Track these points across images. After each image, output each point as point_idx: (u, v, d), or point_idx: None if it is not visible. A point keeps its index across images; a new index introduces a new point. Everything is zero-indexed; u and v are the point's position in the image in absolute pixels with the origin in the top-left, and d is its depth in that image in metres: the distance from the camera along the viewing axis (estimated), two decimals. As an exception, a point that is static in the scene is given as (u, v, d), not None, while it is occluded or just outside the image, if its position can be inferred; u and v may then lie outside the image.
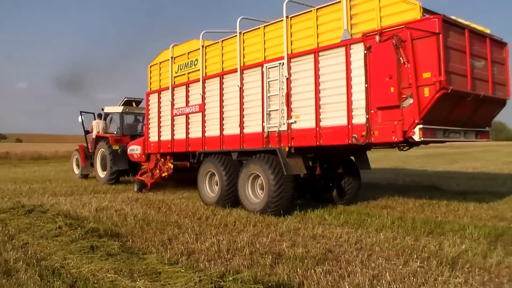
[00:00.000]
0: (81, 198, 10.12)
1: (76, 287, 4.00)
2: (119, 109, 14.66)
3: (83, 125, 15.71)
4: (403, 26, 6.10)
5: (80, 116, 15.57)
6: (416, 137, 6.04)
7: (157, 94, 11.21)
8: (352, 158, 9.23)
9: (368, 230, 6.28)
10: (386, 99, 6.25)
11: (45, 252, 5.07)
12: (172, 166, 11.24)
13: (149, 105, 11.60)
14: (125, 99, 15.06)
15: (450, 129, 6.71)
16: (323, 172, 8.62)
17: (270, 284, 3.85)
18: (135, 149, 12.18)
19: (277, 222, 6.88)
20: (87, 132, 15.81)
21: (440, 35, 5.83)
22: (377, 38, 6.33)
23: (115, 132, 14.58)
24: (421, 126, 6.00)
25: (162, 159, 11.42)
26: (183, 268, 4.17)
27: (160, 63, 11.13)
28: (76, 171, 16.54)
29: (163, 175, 11.44)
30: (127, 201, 9.63)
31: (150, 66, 11.56)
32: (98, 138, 14.62)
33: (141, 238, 5.91)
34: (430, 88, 5.90)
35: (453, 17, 6.46)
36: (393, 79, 6.14)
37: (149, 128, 11.52)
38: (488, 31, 7.38)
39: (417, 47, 6.02)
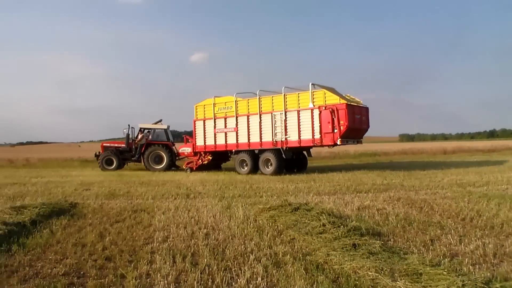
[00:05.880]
0: (344, 197, 10.34)
1: (338, 282, 4.13)
2: (165, 126, 23.98)
3: (128, 134, 24.11)
4: (333, 105, 17.49)
5: (127, 129, 24.08)
6: (338, 143, 17.44)
7: (202, 121, 21.24)
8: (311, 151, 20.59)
9: None
10: (328, 129, 17.55)
11: (310, 248, 5.35)
12: (210, 158, 21.44)
13: (196, 126, 21.56)
14: (160, 119, 24.51)
15: (350, 140, 18.35)
16: (294, 157, 19.82)
17: None
18: (186, 149, 22.12)
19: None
20: (129, 139, 24.26)
21: (345, 109, 17.28)
22: (324, 108, 17.60)
23: (170, 141, 23.69)
24: (340, 139, 17.39)
25: (204, 154, 21.51)
26: (445, 270, 4.06)
27: (204, 105, 21.23)
28: (109, 167, 23.63)
29: (204, 163, 21.52)
30: (388, 200, 9.55)
31: (196, 106, 21.55)
32: (149, 144, 23.38)
33: (402, 237, 5.86)
34: (343, 127, 17.32)
35: (353, 104, 18.03)
36: (330, 123, 17.45)
37: (196, 138, 21.53)
38: (361, 102, 19.27)
39: (339, 112, 17.40)
